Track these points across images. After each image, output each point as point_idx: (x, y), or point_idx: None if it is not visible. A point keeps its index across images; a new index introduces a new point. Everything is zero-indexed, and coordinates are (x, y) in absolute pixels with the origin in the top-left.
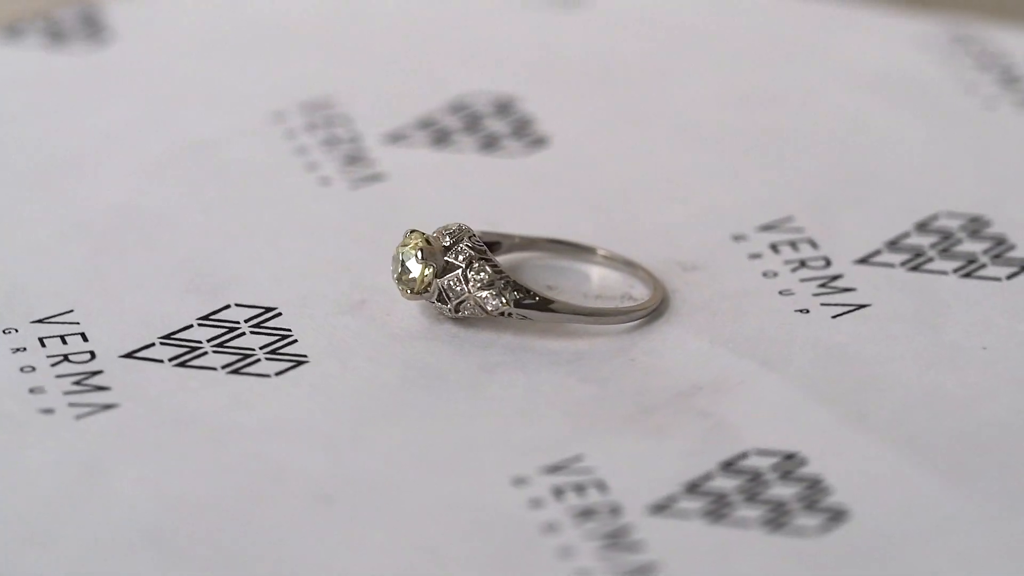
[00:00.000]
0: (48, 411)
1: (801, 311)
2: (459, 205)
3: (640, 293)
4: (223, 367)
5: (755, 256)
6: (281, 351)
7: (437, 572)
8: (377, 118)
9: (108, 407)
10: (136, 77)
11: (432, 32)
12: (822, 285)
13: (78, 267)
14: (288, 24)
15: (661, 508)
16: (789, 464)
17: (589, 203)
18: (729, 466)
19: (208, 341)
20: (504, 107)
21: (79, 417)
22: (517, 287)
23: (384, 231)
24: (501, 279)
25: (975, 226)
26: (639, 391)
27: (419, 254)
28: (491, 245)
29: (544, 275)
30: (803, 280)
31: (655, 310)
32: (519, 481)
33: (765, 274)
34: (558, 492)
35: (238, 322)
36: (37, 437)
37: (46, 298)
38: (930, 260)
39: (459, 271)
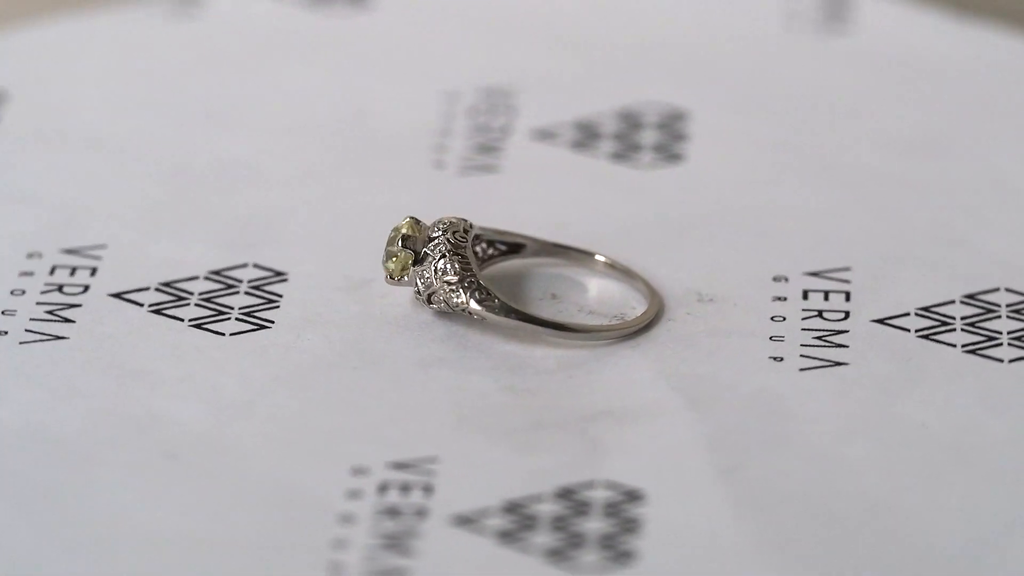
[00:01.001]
0: (3, 333)
1: (775, 358)
2: (545, 208)
3: (634, 315)
4: (190, 320)
5: (780, 299)
6: (256, 314)
7: (212, 538)
8: (545, 112)
9: (58, 338)
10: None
11: (643, 36)
12: (818, 338)
13: (154, 206)
14: (509, 11)
15: (464, 521)
16: (624, 501)
17: (668, 222)
18: (566, 493)
19: (200, 294)
20: (669, 121)
21: (22, 343)
22: (479, 288)
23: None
24: (467, 278)
25: None
26: (548, 406)
27: (399, 241)
28: (514, 247)
29: (554, 283)
30: (805, 330)
31: (628, 334)
32: (358, 471)
33: (774, 318)
34: (383, 487)
35: (240, 281)
36: None
37: (91, 229)
38: (950, 331)
39: (430, 262)
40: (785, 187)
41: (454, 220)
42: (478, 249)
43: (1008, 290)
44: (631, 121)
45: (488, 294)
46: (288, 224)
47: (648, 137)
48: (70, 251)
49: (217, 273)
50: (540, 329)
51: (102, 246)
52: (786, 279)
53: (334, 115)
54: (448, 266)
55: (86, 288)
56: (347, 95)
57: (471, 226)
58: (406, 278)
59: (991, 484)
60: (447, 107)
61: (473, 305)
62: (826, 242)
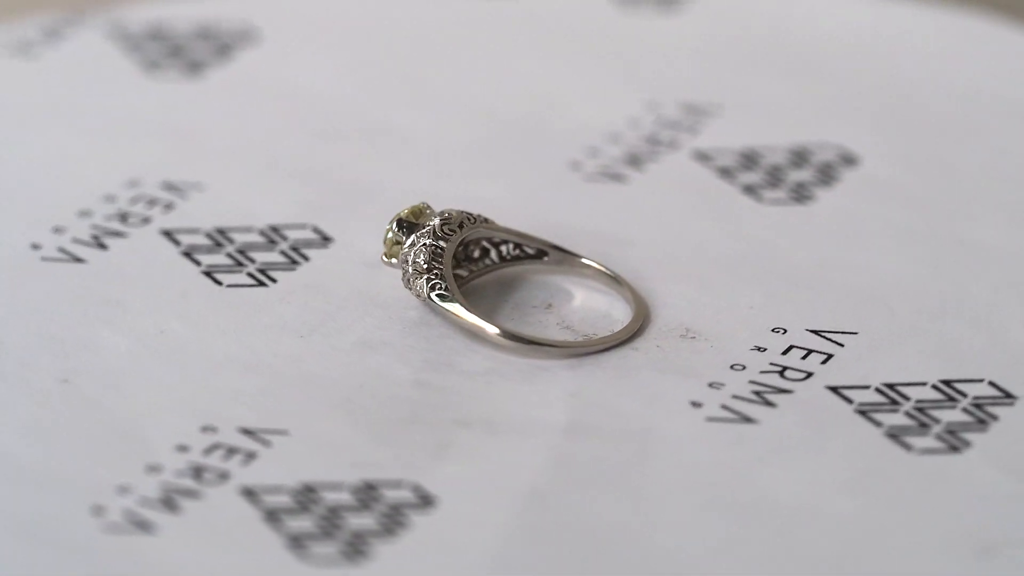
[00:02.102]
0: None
1: (694, 404)
2: (627, 225)
3: (605, 337)
4: (205, 266)
5: (759, 349)
6: (268, 272)
7: (34, 455)
8: (720, 135)
9: (78, 260)
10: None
11: (863, 74)
12: (756, 392)
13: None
14: (738, 32)
15: (247, 493)
16: (411, 506)
17: (735, 257)
18: (366, 487)
19: (241, 254)
20: (831, 164)
21: (45, 259)
22: (441, 279)
23: (545, 220)
24: (434, 268)
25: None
26: (438, 405)
27: (395, 223)
28: (539, 253)
29: (558, 294)
30: (752, 382)
31: (576, 354)
32: (206, 428)
33: (733, 367)
34: (212, 448)
35: (285, 238)
36: None
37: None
38: (891, 411)
39: (411, 247)
40: (884, 247)
41: (454, 213)
42: (504, 249)
43: (991, 383)
44: (794, 158)
45: (447, 288)
46: (375, 197)
47: (797, 176)
48: (169, 186)
49: (274, 229)
50: (477, 331)
51: (198, 185)
52: (784, 330)
53: (523, 99)
54: (421, 253)
55: (147, 220)
56: (550, 85)
57: (474, 222)
58: (395, 260)
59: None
60: (637, 114)
61: (431, 295)
62: (859, 302)
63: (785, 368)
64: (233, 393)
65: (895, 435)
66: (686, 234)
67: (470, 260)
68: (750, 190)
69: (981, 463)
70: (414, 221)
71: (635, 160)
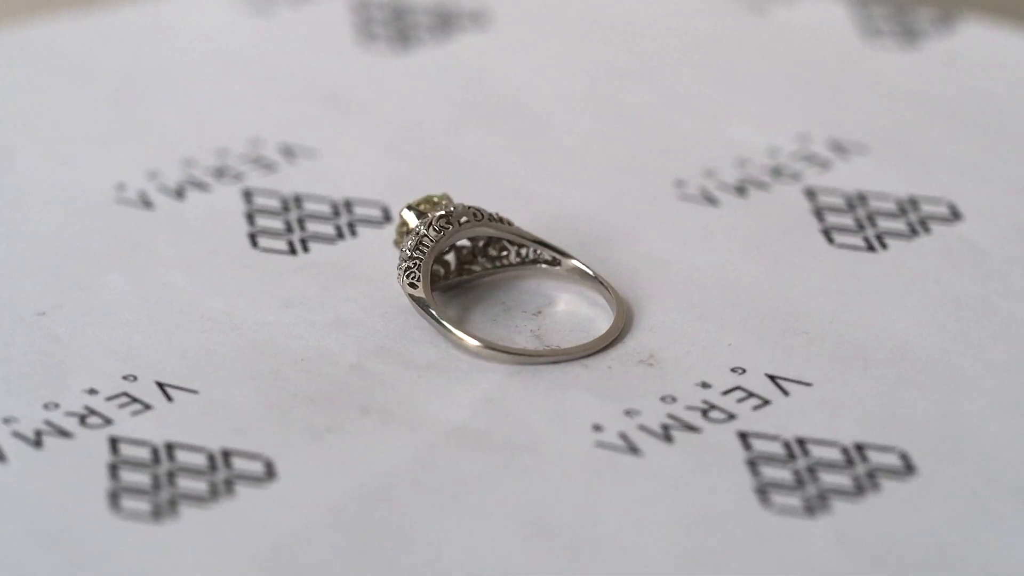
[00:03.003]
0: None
1: (595, 427)
2: (693, 252)
3: (556, 350)
4: (252, 230)
5: (705, 386)
6: (309, 242)
7: None
8: (840, 176)
9: (147, 206)
10: None
11: None
12: (664, 427)
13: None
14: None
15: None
16: (233, 479)
17: (751, 296)
18: (211, 456)
19: (299, 222)
20: (941, 217)
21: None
22: (416, 270)
23: (600, 229)
24: (413, 258)
25: None
26: (354, 391)
27: (405, 210)
28: (553, 261)
29: (553, 303)
30: (670, 415)
31: (519, 363)
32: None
33: (664, 398)
34: (92, 390)
35: (351, 212)
36: None
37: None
38: (780, 466)
39: (407, 234)
40: (912, 309)
41: (461, 208)
42: (524, 251)
43: (902, 455)
44: (900, 207)
45: (417, 279)
46: (475, 184)
47: (888, 224)
48: (286, 148)
49: (347, 204)
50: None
51: (312, 152)
52: (743, 371)
53: (688, 112)
54: (410, 241)
55: (238, 176)
56: (723, 102)
57: (480, 219)
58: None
59: None
60: (781, 143)
61: (403, 284)
62: (841, 357)
63: (713, 407)
64: (180, 349)
65: (764, 490)
66: (728, 265)
67: (488, 257)
68: (828, 232)
69: (824, 534)
70: (421, 210)
71: (742, 187)
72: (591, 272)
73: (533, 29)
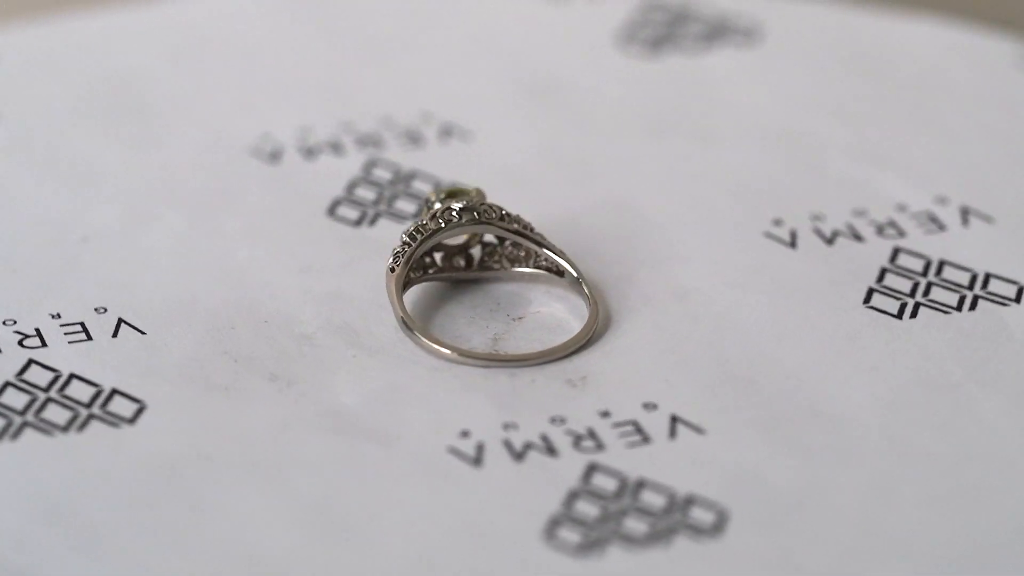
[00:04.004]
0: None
1: (463, 433)
2: (720, 289)
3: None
4: (338, 199)
5: (604, 415)
6: (381, 217)
7: None
8: (946, 247)
9: (274, 160)
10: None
11: None
12: (525, 445)
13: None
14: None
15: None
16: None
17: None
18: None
19: (390, 199)
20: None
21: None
22: (400, 256)
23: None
24: (404, 244)
25: None
26: (289, 372)
27: (432, 195)
28: (560, 271)
29: (538, 312)
30: (543, 434)
31: (460, 361)
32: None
33: (554, 419)
34: (57, 315)
35: (381, 185)
36: None
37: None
38: (586, 502)
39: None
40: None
41: (478, 206)
42: (541, 257)
43: (719, 511)
44: (963, 283)
45: (396, 265)
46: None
47: (937, 295)
48: (445, 127)
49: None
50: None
51: (468, 135)
52: (655, 407)
53: (847, 157)
54: (411, 228)
55: (376, 144)
56: (891, 148)
57: (492, 219)
58: None
59: None
60: (911, 201)
61: (387, 267)
62: (754, 410)
63: (591, 436)
64: (170, 293)
65: (559, 521)
66: (740, 306)
67: (507, 258)
68: (871, 292)
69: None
70: (443, 198)
71: (835, 236)
72: (585, 289)
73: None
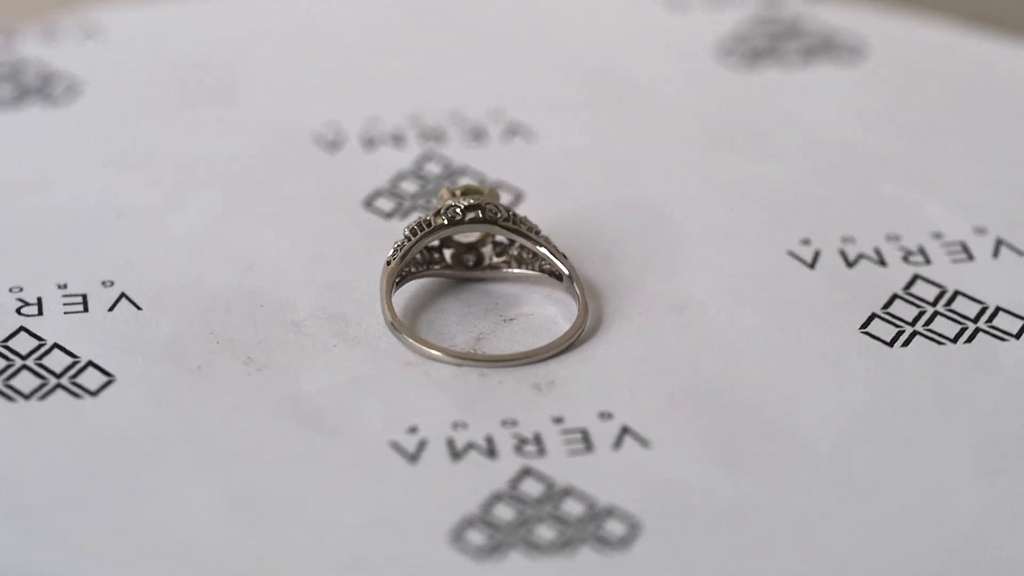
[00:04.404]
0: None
1: (411, 429)
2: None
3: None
4: (379, 190)
5: (556, 420)
6: (411, 211)
7: None
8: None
9: (334, 149)
10: None
11: None
12: (469, 446)
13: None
14: None
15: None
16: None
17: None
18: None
19: (422, 194)
20: None
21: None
22: (399, 251)
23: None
24: (407, 239)
25: None
26: (261, 345)
27: (446, 191)
28: (559, 275)
29: (530, 315)
30: (487, 435)
31: (433, 358)
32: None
33: (504, 422)
34: (63, 285)
35: (428, 179)
36: None
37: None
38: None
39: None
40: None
41: (486, 205)
42: (547, 265)
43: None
44: (970, 314)
45: (391, 261)
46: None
47: (938, 325)
48: (512, 126)
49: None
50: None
51: (531, 134)
52: (610, 416)
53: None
54: (413, 223)
55: (437, 138)
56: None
57: (495, 219)
58: None
59: None
60: (952, 232)
61: (384, 260)
62: (704, 426)
63: (537, 441)
64: (158, 272)
65: (472, 523)
66: (731, 324)
67: (513, 258)
68: (872, 318)
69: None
70: (456, 194)
71: (858, 259)
72: (579, 295)
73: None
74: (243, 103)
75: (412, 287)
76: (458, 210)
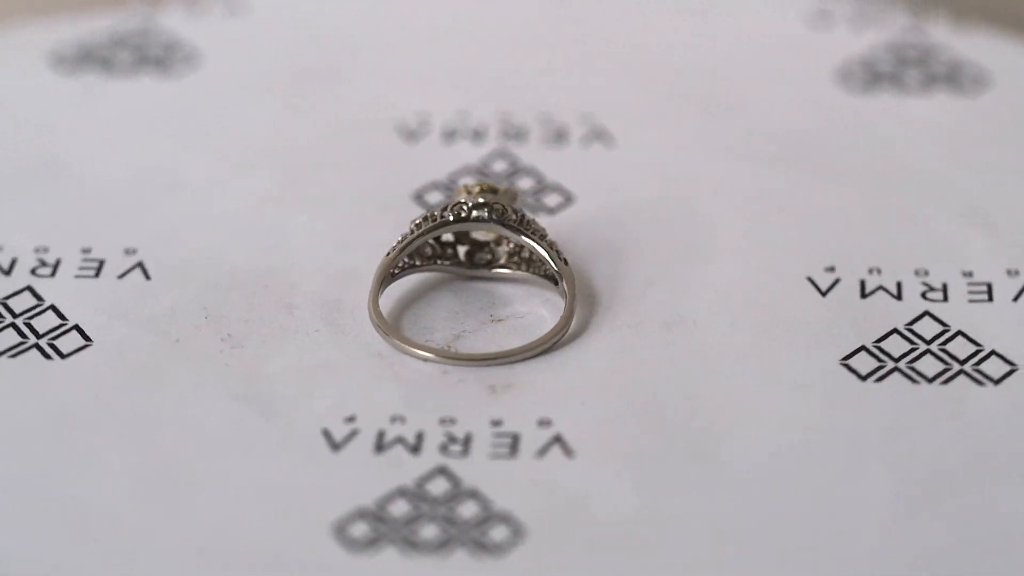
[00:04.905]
0: None
1: (348, 418)
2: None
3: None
4: (427, 184)
5: (495, 423)
6: (442, 211)
7: None
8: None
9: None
10: None
11: None
12: (399, 441)
13: None
14: None
15: None
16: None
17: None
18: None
19: (470, 192)
20: None
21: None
22: (407, 244)
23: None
24: (413, 232)
25: None
26: (242, 325)
27: (464, 185)
28: (553, 279)
29: (517, 316)
30: (420, 436)
31: (404, 351)
32: None
33: (444, 420)
34: (87, 250)
35: (488, 176)
36: None
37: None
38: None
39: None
40: None
41: (496, 206)
42: (544, 263)
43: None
44: (944, 359)
45: (390, 252)
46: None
47: (924, 365)
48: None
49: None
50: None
51: (615, 142)
52: (549, 423)
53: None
54: (419, 217)
55: (479, 136)
56: None
57: (503, 219)
58: None
59: None
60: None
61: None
62: (633, 441)
63: (465, 442)
64: (183, 245)
65: (352, 521)
66: (712, 344)
67: (527, 262)
68: (848, 358)
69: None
70: (472, 191)
71: (876, 290)
72: (567, 302)
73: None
74: (345, 87)
75: (413, 280)
76: (465, 207)
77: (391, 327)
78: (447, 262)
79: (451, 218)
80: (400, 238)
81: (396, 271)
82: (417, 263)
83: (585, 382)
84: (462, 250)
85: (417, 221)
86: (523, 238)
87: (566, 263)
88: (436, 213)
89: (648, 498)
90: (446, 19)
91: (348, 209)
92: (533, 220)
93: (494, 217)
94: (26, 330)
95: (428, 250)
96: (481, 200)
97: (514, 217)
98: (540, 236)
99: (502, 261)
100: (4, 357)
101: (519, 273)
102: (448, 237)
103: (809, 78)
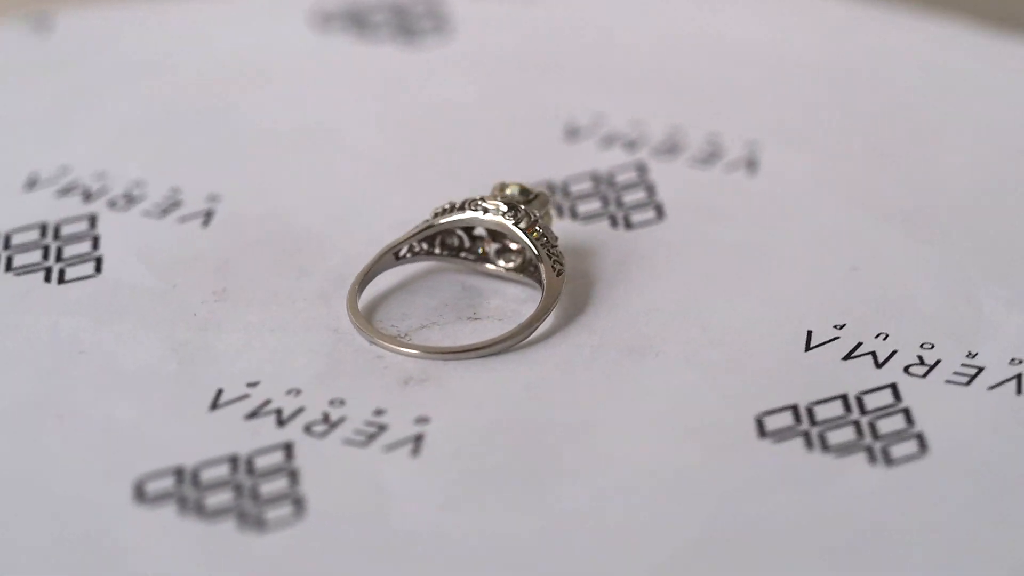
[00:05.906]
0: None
1: (325, 417)
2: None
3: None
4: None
5: (421, 421)
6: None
7: None
8: None
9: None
10: None
11: None
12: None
13: None
14: None
15: None
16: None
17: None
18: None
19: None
20: None
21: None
22: (406, 237)
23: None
24: (421, 229)
25: None
26: (216, 314)
27: (501, 184)
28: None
29: (496, 316)
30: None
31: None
32: None
33: (419, 419)
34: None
35: (599, 181)
36: None
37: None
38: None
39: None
40: None
41: (519, 210)
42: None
43: None
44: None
45: (398, 242)
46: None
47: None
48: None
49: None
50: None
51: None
52: (427, 421)
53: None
54: (438, 208)
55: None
56: None
57: (519, 221)
58: None
59: None
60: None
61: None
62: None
63: (326, 422)
64: (248, 211)
65: (255, 516)
66: (670, 379)
67: (535, 265)
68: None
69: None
70: (503, 190)
71: (861, 355)
72: (538, 310)
73: None
74: (543, 83)
75: (418, 266)
76: (481, 204)
77: (354, 305)
78: (471, 256)
79: (466, 210)
80: (417, 225)
81: (408, 255)
82: (437, 251)
83: (494, 390)
84: (493, 248)
85: (438, 209)
86: (529, 244)
87: (558, 275)
88: (455, 205)
89: (454, 516)
90: (659, 28)
91: (431, 196)
92: (547, 227)
93: (500, 215)
94: (44, 254)
95: (455, 241)
96: (502, 200)
97: (529, 221)
98: (545, 244)
99: (517, 264)
100: (9, 275)
101: (526, 279)
102: (480, 232)
103: (961, 98)
